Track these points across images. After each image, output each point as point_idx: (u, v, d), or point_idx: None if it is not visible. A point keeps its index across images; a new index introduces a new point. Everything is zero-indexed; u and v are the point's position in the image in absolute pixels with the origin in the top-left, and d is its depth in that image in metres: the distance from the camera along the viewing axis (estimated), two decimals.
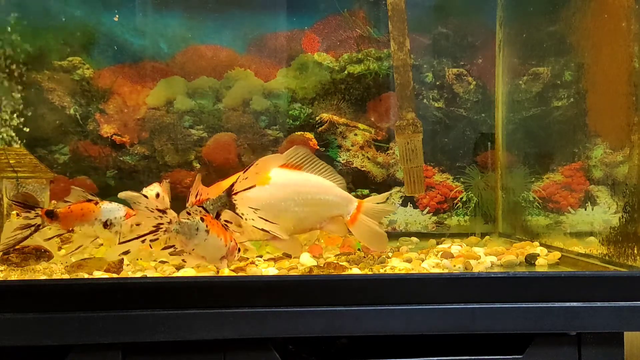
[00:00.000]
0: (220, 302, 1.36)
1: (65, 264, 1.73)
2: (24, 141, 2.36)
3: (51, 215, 1.70)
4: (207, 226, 1.51)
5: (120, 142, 2.56)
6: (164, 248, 1.55)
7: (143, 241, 1.47)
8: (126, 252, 1.51)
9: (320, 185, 1.82)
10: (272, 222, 1.62)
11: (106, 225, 1.74)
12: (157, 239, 1.49)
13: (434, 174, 2.63)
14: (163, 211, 1.47)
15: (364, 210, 1.84)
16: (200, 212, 1.50)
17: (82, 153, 2.54)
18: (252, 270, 1.70)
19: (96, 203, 1.73)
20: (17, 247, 1.73)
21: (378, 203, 1.88)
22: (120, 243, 1.51)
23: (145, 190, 1.73)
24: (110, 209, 1.75)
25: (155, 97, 2.59)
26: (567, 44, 2.10)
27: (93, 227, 1.73)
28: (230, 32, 2.62)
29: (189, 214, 1.49)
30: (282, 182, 1.76)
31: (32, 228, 1.67)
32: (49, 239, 1.77)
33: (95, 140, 2.55)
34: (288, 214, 1.74)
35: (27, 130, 2.40)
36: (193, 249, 1.51)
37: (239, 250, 1.63)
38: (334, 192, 1.83)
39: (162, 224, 1.47)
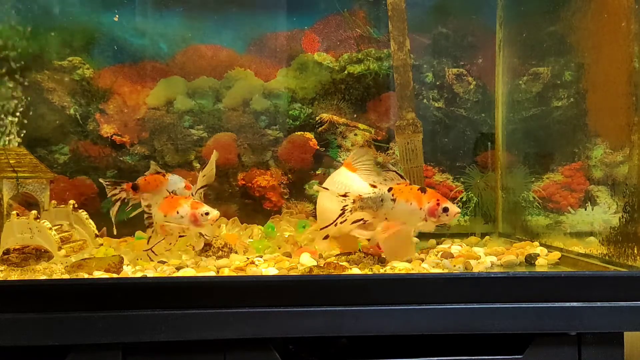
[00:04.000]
0: (220, 302, 1.36)
1: (65, 264, 1.73)
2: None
3: (136, 188, 1.96)
4: (393, 195, 1.66)
5: (120, 142, 2.56)
6: (354, 222, 1.72)
7: (336, 225, 1.71)
8: (326, 237, 1.81)
9: (344, 185, 1.86)
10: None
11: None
12: (346, 219, 1.69)
13: (434, 174, 2.63)
14: (344, 195, 1.70)
15: None
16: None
17: (82, 153, 2.54)
18: (252, 270, 1.69)
19: (164, 175, 1.96)
20: (17, 247, 1.75)
21: None
22: (321, 229, 1.78)
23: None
24: (175, 180, 1.96)
25: (155, 97, 2.59)
26: (567, 44, 2.10)
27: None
28: (230, 32, 2.62)
29: (374, 186, 1.69)
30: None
31: (119, 203, 1.97)
32: (132, 215, 1.99)
33: (95, 140, 2.55)
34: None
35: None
36: (386, 218, 1.67)
37: (446, 210, 1.64)
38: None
39: (346, 205, 1.68)
